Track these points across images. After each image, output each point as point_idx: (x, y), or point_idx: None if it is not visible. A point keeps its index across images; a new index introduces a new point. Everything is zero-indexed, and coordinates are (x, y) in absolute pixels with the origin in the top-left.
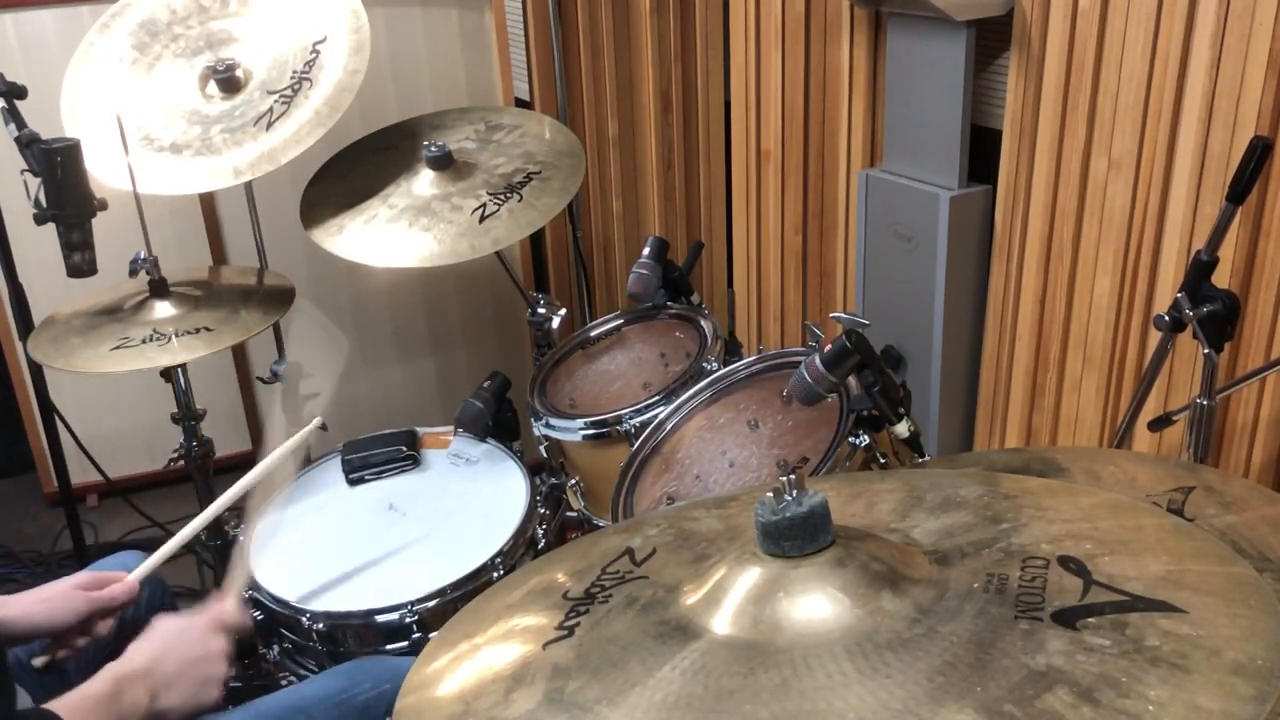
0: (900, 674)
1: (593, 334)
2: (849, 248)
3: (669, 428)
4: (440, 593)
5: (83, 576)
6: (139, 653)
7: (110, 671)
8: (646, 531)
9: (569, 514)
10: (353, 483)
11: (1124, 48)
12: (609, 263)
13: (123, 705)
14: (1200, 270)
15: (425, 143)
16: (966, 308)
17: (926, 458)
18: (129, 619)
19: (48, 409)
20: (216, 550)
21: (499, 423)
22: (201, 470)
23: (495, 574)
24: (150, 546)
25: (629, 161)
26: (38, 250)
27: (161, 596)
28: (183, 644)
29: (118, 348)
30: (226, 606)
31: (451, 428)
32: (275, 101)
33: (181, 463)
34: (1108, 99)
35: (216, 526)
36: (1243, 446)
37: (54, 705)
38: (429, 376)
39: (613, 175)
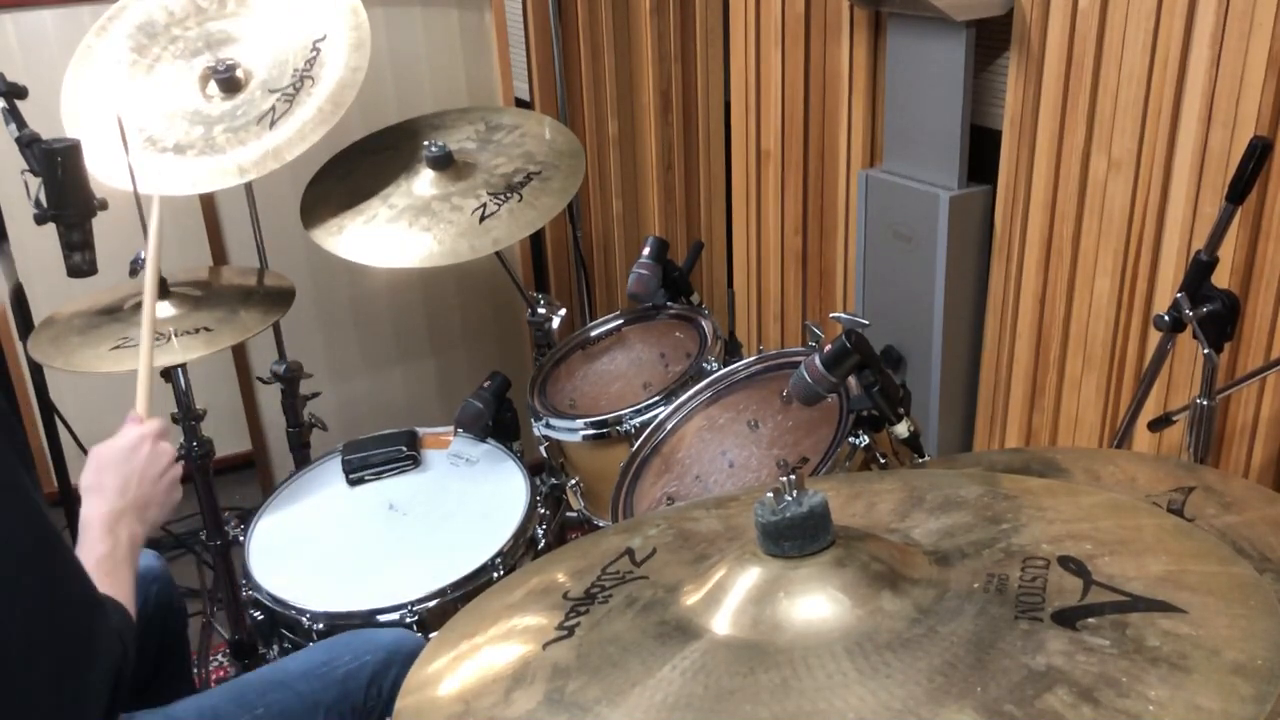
0: (900, 674)
1: (593, 334)
2: (849, 248)
3: (669, 428)
4: (440, 593)
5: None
6: (104, 492)
7: (95, 524)
8: (646, 531)
9: (569, 514)
10: (353, 483)
11: (1124, 48)
12: (609, 263)
13: (123, 546)
14: (1200, 270)
15: (425, 143)
16: (966, 308)
17: (926, 458)
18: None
19: (48, 409)
20: (217, 550)
21: (499, 423)
22: (201, 470)
23: (495, 574)
24: (150, 546)
25: (629, 161)
26: (38, 250)
27: (170, 593)
28: (136, 464)
29: (117, 347)
30: (146, 420)
31: (451, 428)
32: (277, 100)
33: (181, 463)
34: (1108, 99)
35: (216, 526)
36: (1243, 446)
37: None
38: (429, 376)
39: (613, 175)
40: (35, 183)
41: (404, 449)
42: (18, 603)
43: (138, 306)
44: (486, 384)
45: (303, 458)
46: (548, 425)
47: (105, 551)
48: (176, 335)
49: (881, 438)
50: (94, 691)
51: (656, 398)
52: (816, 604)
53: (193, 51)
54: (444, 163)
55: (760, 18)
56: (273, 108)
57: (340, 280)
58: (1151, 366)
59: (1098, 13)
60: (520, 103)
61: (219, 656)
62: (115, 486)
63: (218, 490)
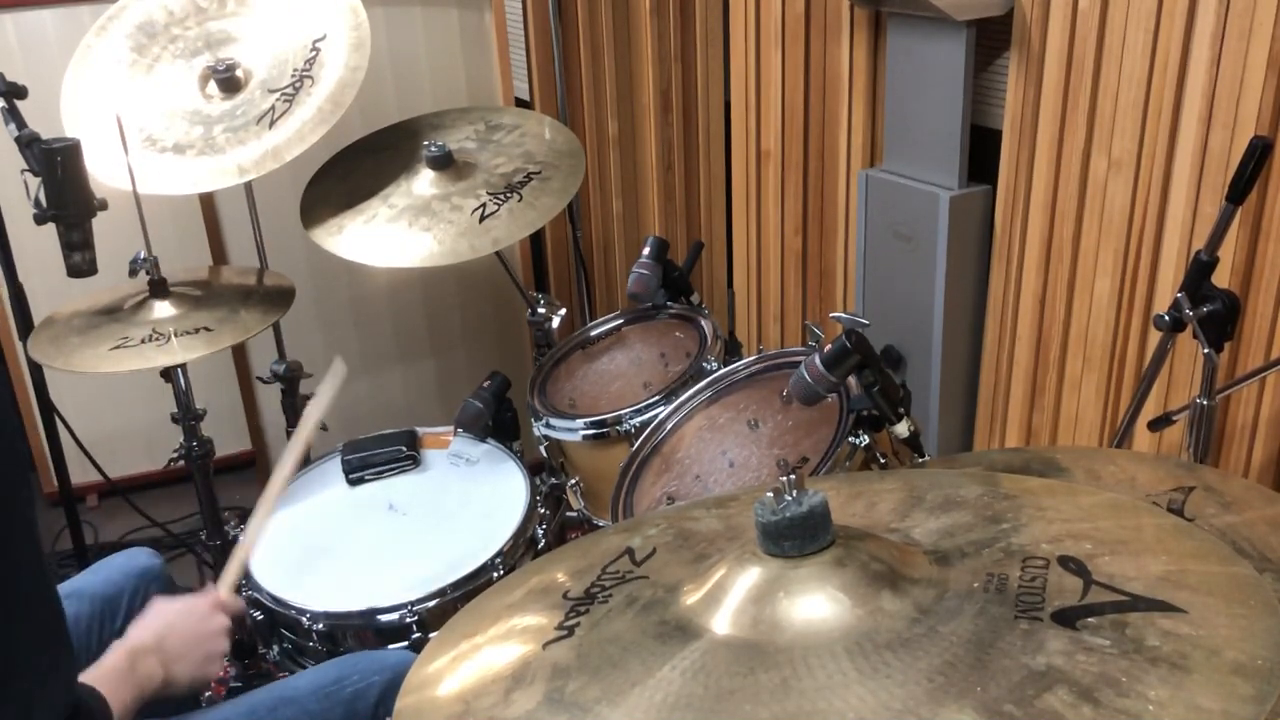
0: (900, 674)
1: (593, 334)
2: (849, 248)
3: (669, 428)
4: (440, 593)
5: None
6: (145, 630)
7: (122, 647)
8: (646, 531)
9: (569, 514)
10: (353, 483)
11: (1124, 48)
12: (609, 263)
13: (139, 677)
14: (1200, 270)
15: (425, 143)
16: (966, 308)
17: (926, 458)
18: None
19: (48, 409)
20: (217, 550)
21: (499, 423)
22: (201, 470)
23: (495, 574)
24: (151, 546)
25: (629, 161)
26: (38, 250)
27: (162, 586)
28: (185, 621)
29: (117, 348)
30: (222, 593)
31: (451, 428)
32: (277, 100)
33: (181, 463)
34: (1108, 99)
35: (216, 526)
36: (1243, 446)
37: (83, 679)
38: (429, 376)
39: (613, 175)
40: (35, 183)
41: (404, 449)
42: None
43: (137, 306)
44: (486, 384)
45: (302, 458)
46: (548, 425)
47: (114, 666)
48: (176, 335)
49: (881, 437)
50: None
51: (656, 397)
52: (816, 604)
53: (192, 51)
54: (444, 163)
55: (760, 18)
56: (272, 108)
57: (340, 280)
58: (1151, 366)
59: (1098, 13)
60: (520, 103)
61: None
62: (155, 630)
63: (218, 490)
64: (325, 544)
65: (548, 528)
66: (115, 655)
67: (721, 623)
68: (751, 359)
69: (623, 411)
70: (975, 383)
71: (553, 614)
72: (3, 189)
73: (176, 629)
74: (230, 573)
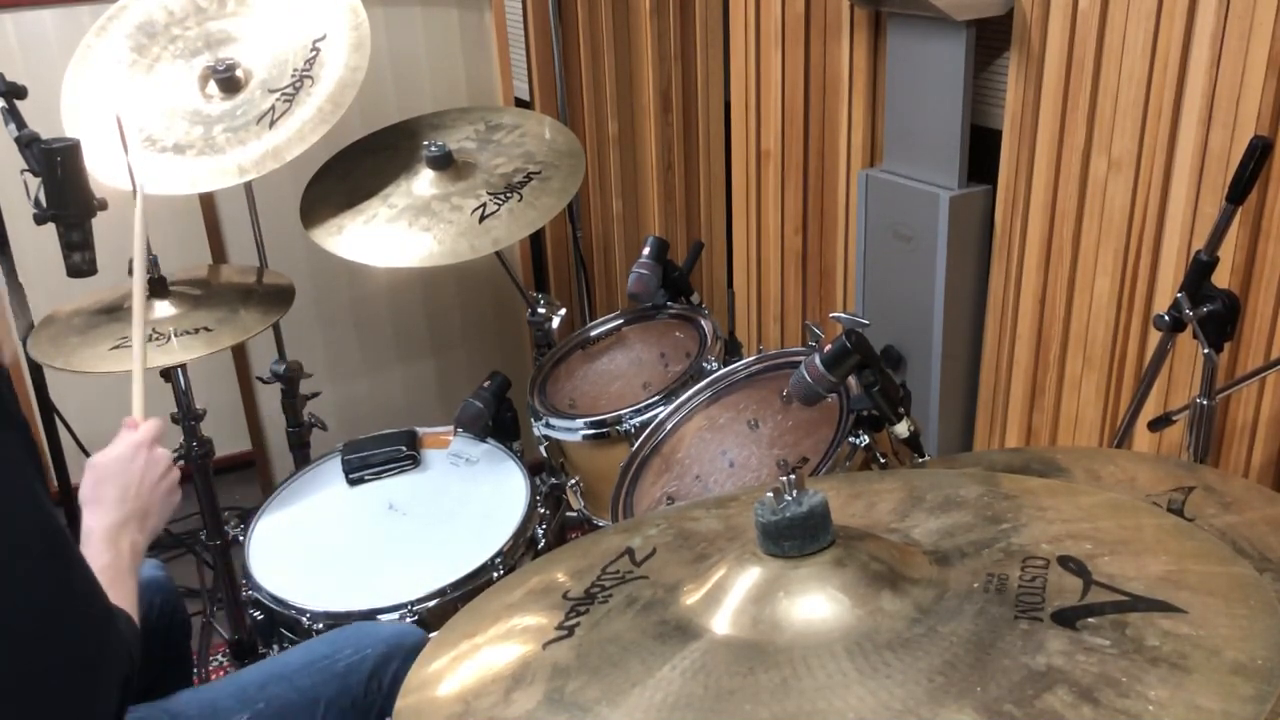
0: (900, 674)
1: (593, 334)
2: (849, 248)
3: (669, 428)
4: (440, 593)
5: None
6: (102, 507)
7: (97, 535)
8: (646, 531)
9: (569, 514)
10: (353, 483)
11: (1124, 48)
12: (609, 263)
13: (125, 556)
14: (1200, 270)
15: (425, 143)
16: (966, 308)
17: (926, 458)
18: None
19: (48, 409)
20: (217, 550)
21: (499, 423)
22: (201, 470)
23: (495, 574)
24: (150, 547)
25: (629, 161)
26: (38, 250)
27: (174, 604)
28: (134, 473)
29: (117, 347)
30: (141, 425)
31: (451, 428)
32: (277, 100)
33: (181, 463)
34: (1108, 99)
35: (217, 526)
36: (1243, 446)
37: None
38: (429, 376)
39: (613, 175)
40: (35, 183)
41: (404, 449)
42: (32, 606)
43: None
44: (486, 384)
45: (303, 458)
46: (548, 425)
47: (108, 562)
48: (176, 335)
49: (881, 438)
50: (104, 699)
51: (656, 397)
52: (816, 604)
53: (192, 51)
54: (444, 163)
55: (760, 18)
56: (272, 107)
57: (340, 280)
58: (1151, 366)
59: (1098, 13)
60: (520, 103)
61: (219, 656)
62: (114, 498)
63: (218, 490)
64: (325, 544)
65: (548, 528)
66: (96, 549)
67: (721, 623)
68: (751, 359)
69: (623, 411)
70: (975, 383)
71: (553, 614)
72: (3, 189)
73: (129, 489)
74: (136, 397)
